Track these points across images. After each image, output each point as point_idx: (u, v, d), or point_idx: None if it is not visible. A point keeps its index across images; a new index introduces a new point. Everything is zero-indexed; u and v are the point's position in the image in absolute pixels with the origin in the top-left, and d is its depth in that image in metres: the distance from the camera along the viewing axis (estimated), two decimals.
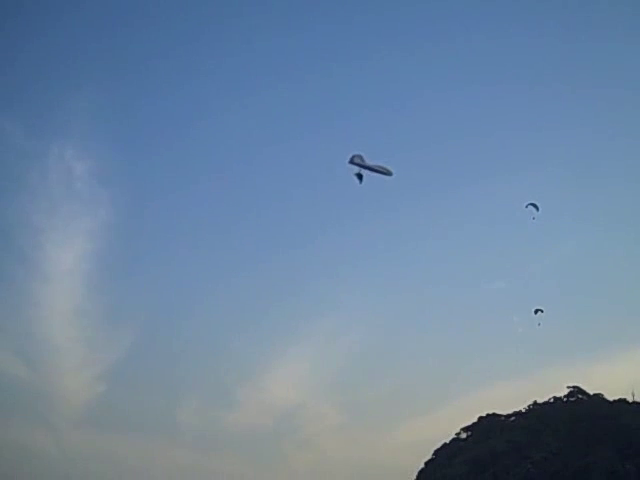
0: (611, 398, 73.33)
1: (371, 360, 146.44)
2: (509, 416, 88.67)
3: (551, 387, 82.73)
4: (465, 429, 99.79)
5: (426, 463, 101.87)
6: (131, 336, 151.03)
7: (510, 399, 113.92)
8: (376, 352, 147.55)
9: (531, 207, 53.49)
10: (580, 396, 75.76)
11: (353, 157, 31.20)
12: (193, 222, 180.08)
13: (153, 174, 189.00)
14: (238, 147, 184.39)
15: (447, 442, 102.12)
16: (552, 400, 78.83)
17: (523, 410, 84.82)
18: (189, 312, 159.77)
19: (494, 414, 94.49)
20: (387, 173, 32.49)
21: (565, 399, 76.91)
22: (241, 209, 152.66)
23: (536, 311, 60.87)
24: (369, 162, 31.57)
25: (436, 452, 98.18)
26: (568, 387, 76.75)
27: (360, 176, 31.47)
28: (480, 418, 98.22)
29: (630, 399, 72.85)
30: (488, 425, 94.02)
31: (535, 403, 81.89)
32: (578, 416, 68.45)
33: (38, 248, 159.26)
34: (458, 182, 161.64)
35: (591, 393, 75.75)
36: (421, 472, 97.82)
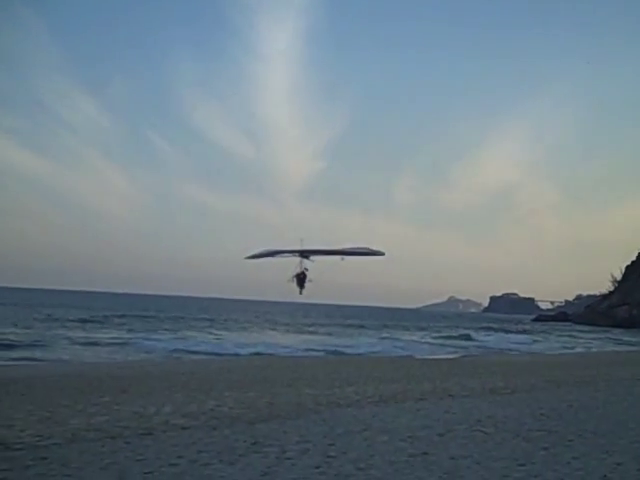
0: None
1: (591, 136, 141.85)
2: None
3: None
4: None
5: None
6: (347, 113, 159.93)
7: None
8: (596, 128, 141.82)
9: None
10: None
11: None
12: None
13: None
14: None
15: None
16: None
17: None
18: (405, 88, 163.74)
19: None
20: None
21: None
22: None
23: None
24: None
25: None
26: None
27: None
28: None
29: None
30: None
31: None
32: None
33: (253, 27, 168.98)
34: None
35: None
36: None
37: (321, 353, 38.28)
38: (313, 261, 18.14)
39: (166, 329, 55.97)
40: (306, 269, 18.74)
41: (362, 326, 76.91)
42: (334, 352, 39.13)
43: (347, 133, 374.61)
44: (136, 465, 7.95)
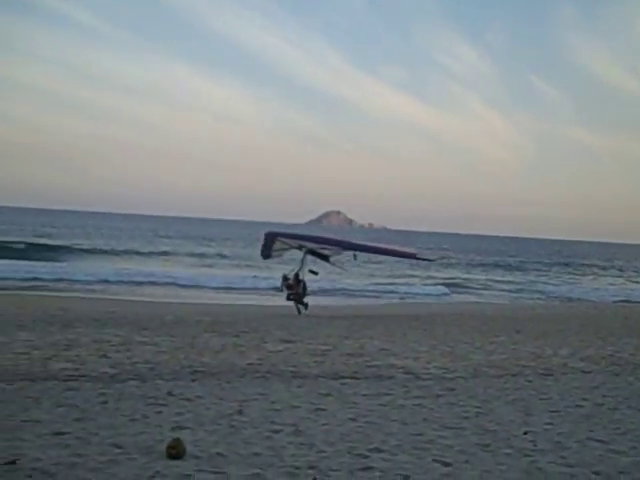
0: None
1: None
2: None
3: None
4: None
5: None
6: None
7: None
8: None
9: None
10: None
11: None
12: None
13: None
14: None
15: None
16: None
17: None
18: None
19: None
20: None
21: None
22: None
23: None
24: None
25: None
26: None
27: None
28: None
29: None
30: None
31: None
32: None
33: None
34: None
35: None
36: None
37: None
38: (333, 263, 12.57)
39: (542, 274, 54.84)
40: (314, 272, 12.71)
41: None
42: None
43: None
44: (541, 403, 8.21)
